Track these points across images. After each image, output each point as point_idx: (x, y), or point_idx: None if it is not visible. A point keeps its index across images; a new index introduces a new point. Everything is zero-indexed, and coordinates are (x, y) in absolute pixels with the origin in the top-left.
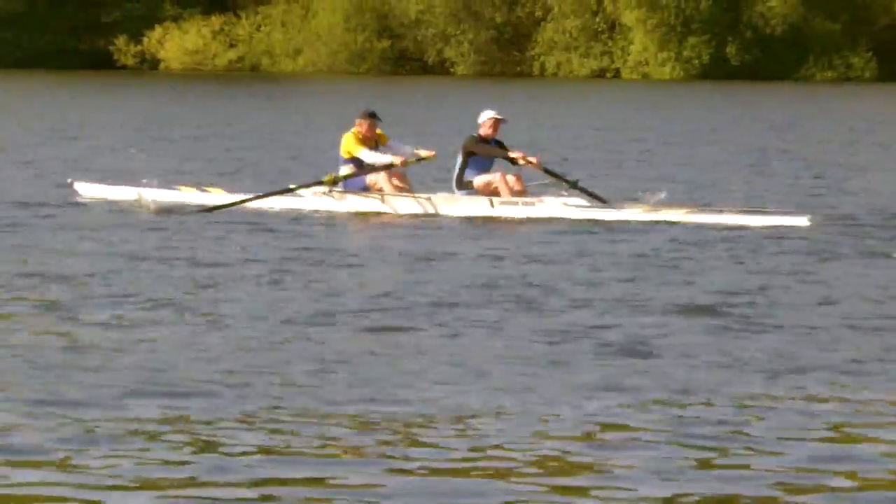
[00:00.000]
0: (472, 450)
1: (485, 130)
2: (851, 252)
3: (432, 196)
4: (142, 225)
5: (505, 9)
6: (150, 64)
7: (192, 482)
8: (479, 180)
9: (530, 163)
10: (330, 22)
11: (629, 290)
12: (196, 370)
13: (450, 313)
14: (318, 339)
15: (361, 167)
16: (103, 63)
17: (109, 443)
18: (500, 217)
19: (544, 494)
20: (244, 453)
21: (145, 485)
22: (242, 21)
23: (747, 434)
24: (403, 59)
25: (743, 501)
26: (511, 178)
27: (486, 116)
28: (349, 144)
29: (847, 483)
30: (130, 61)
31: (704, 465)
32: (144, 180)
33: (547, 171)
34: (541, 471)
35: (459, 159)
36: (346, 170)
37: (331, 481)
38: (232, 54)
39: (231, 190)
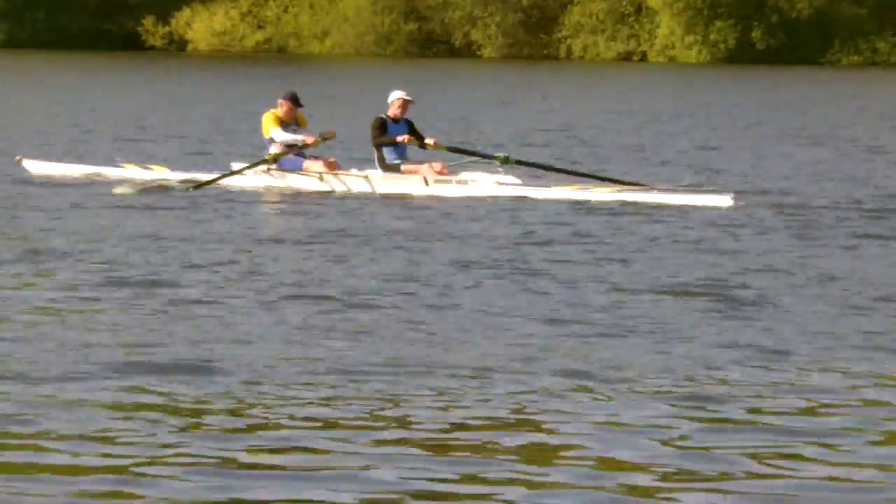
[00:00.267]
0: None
1: (393, 111)
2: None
3: (369, 173)
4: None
5: None
6: (177, 45)
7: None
8: (406, 168)
9: (438, 146)
10: (357, 4)
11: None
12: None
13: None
14: (284, 314)
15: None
16: (132, 44)
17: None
18: (435, 195)
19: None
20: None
21: (179, 460)
22: (270, 2)
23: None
24: (430, 42)
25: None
26: (437, 165)
27: (395, 97)
28: (266, 123)
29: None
30: (158, 42)
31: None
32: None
33: (463, 151)
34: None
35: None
36: (274, 149)
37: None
38: (259, 36)
39: (174, 168)
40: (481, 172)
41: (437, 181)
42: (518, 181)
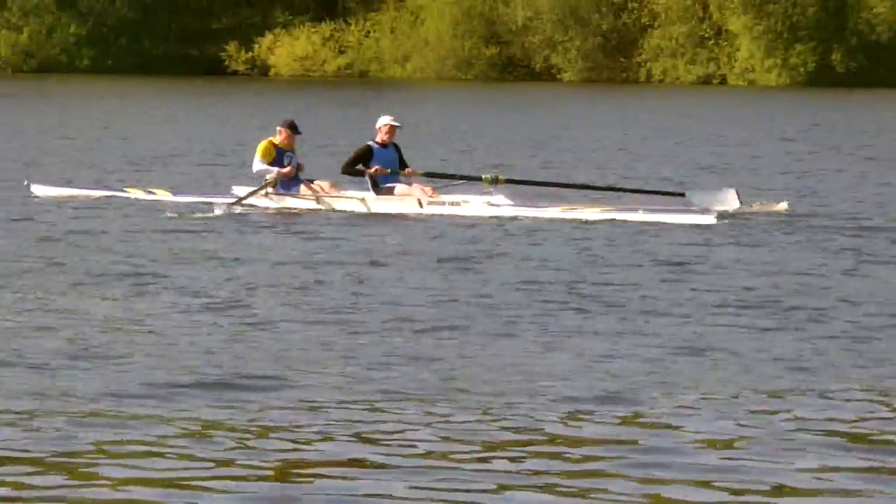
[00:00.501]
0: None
1: (381, 136)
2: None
3: (365, 196)
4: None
5: (611, 16)
6: (259, 70)
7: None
8: (399, 190)
9: (414, 173)
10: (438, 28)
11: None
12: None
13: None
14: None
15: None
16: (214, 69)
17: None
18: (430, 215)
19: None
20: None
21: (222, 469)
22: (352, 28)
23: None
24: (511, 66)
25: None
26: (428, 189)
27: (383, 122)
28: (259, 150)
29: None
30: (241, 67)
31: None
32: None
33: (441, 176)
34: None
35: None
36: (273, 174)
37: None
38: (341, 60)
39: (180, 191)
40: (472, 195)
41: (431, 202)
42: (510, 202)
